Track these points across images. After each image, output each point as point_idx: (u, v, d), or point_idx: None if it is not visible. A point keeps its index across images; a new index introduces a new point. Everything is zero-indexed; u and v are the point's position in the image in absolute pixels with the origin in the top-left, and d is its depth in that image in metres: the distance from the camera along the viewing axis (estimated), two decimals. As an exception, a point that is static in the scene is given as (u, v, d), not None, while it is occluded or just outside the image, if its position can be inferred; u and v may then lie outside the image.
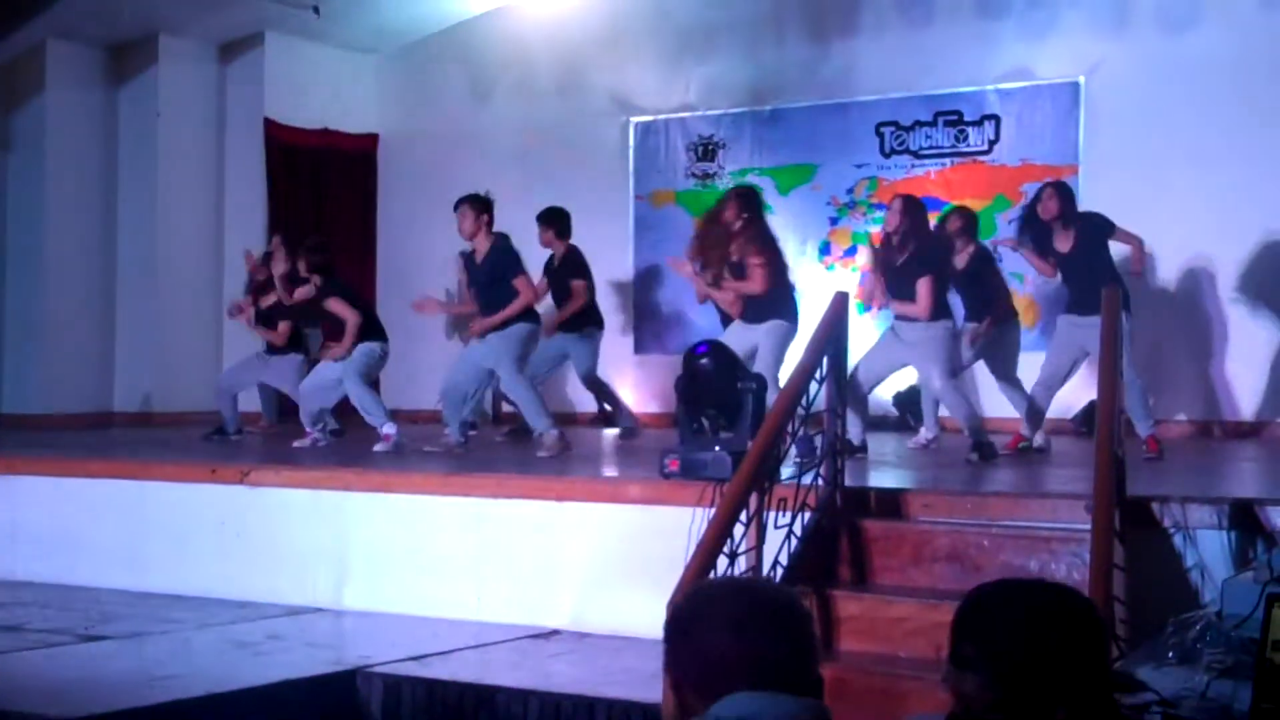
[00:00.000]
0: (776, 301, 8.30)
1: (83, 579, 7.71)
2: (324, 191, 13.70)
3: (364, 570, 7.13)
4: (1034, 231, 8.37)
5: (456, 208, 8.75)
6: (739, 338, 8.01)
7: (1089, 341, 7.56)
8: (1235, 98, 10.33)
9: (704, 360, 6.59)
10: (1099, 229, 8.11)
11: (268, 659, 5.94)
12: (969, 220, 9.02)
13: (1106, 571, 4.60)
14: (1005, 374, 8.87)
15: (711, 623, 2.30)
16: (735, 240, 8.34)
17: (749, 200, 8.53)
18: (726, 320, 8.66)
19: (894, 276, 7.95)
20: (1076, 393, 9.46)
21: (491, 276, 8.72)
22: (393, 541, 7.09)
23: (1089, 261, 8.03)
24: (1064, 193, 8.22)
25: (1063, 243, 8.14)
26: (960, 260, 8.79)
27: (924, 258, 7.90)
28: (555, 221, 10.02)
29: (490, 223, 8.73)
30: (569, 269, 9.90)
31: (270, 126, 13.14)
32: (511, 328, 8.68)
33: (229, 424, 10.26)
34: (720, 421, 6.51)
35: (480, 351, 8.81)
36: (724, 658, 2.25)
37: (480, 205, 8.70)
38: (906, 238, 7.90)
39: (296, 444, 9.13)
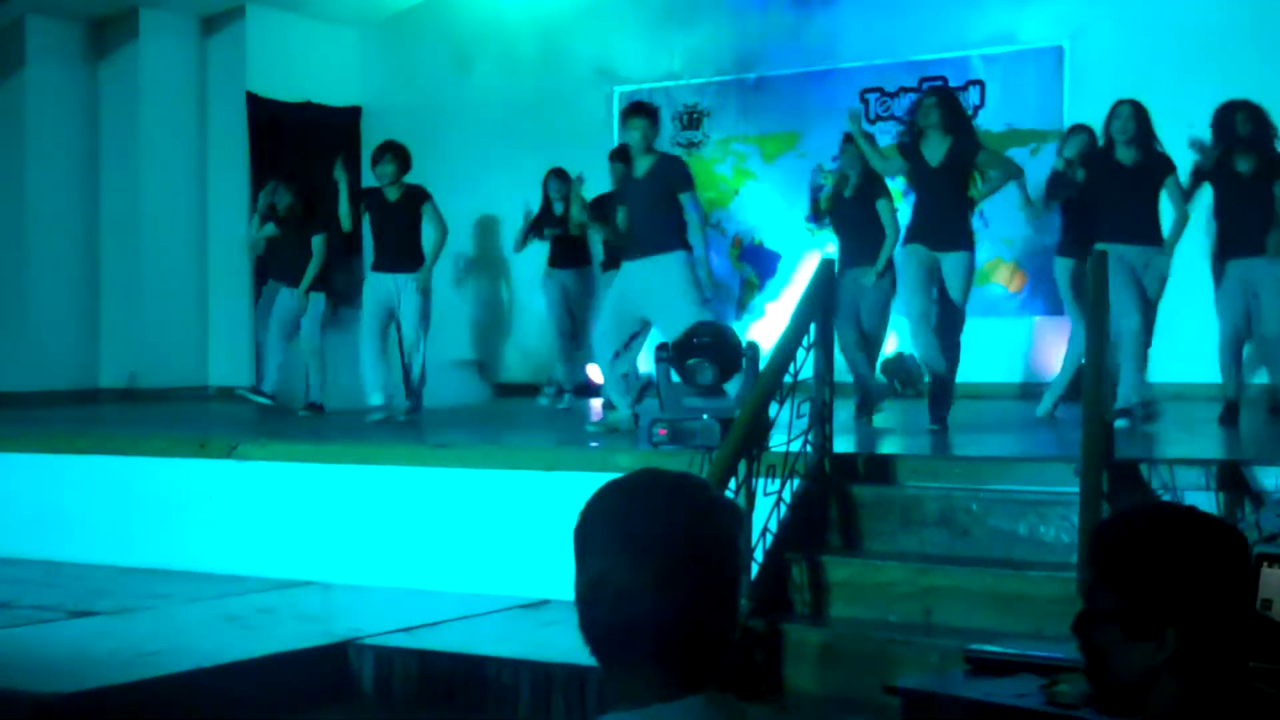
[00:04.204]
0: None
1: (71, 555, 7.69)
2: (307, 164, 13.62)
3: (353, 543, 7.12)
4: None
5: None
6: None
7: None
8: (1219, 61, 10.30)
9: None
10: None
11: (258, 633, 5.93)
12: None
13: (1095, 534, 4.61)
14: None
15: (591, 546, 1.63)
16: None
17: None
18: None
19: None
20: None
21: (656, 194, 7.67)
22: (381, 514, 7.08)
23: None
24: None
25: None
26: None
27: None
28: None
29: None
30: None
31: (253, 100, 13.06)
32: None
33: None
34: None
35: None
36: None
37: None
38: None
39: None
